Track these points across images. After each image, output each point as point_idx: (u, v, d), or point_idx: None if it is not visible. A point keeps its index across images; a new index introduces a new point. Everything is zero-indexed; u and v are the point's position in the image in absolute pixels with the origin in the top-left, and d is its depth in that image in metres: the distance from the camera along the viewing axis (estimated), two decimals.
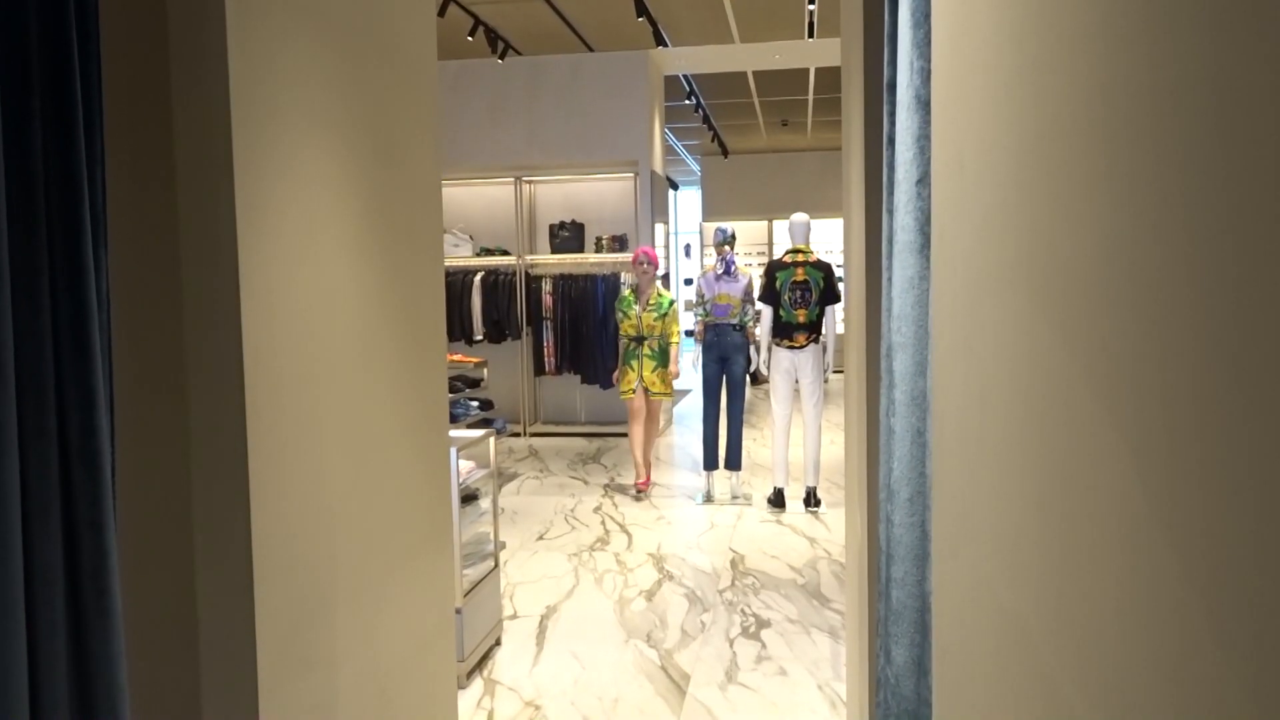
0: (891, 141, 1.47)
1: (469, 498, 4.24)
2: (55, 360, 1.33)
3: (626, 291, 6.93)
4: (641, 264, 6.64)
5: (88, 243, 1.36)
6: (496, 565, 4.30)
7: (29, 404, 1.29)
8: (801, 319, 6.39)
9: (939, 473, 1.10)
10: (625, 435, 9.48)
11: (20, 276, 1.28)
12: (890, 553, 1.09)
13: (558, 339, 9.44)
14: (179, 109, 1.82)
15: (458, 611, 3.78)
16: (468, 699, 3.74)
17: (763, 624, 4.49)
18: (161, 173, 1.83)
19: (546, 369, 9.50)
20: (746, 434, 8.15)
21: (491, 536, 4.38)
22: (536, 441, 9.38)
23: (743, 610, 4.68)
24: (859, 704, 2.83)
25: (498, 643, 4.28)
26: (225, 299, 1.84)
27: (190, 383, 1.86)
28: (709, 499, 6.88)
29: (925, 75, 1.28)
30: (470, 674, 3.93)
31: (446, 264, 7.67)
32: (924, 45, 1.28)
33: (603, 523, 6.34)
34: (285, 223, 1.99)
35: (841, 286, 5.68)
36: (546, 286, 9.43)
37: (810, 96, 12.23)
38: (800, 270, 6.40)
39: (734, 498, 6.89)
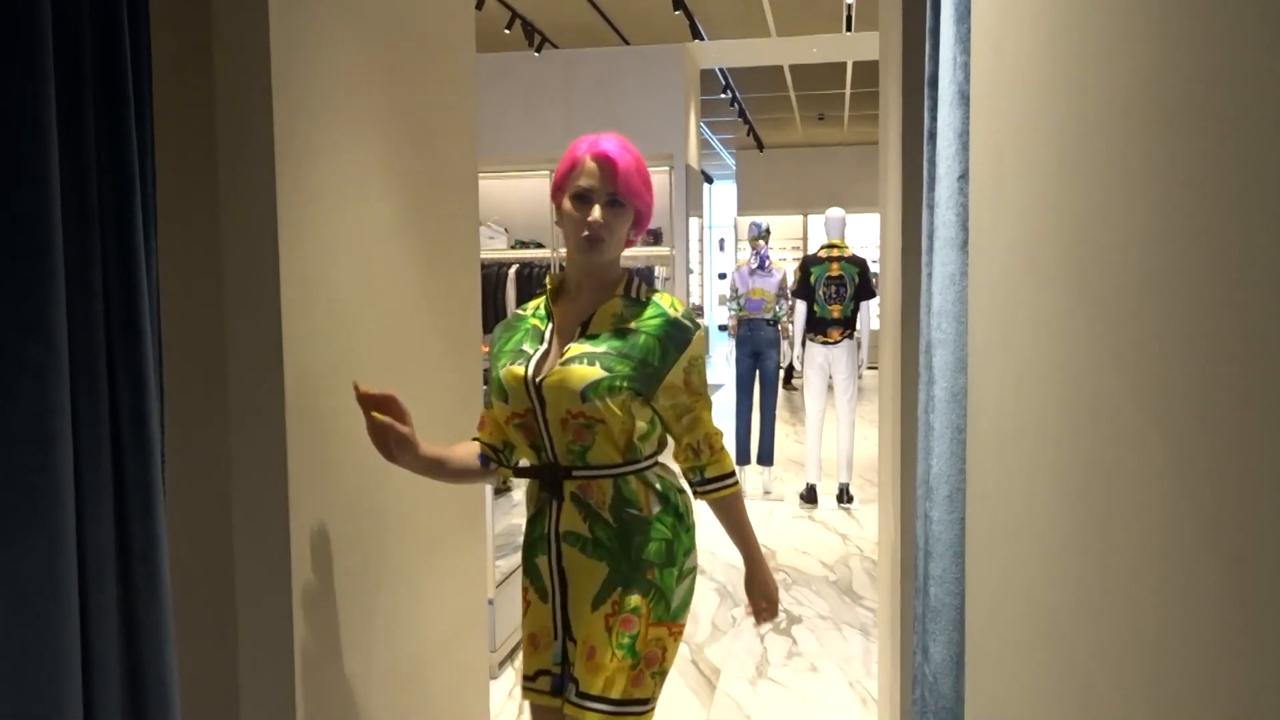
0: (932, 137, 1.46)
1: (501, 490, 4.27)
2: (107, 348, 1.36)
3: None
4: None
5: (139, 233, 1.39)
6: None
7: (82, 390, 1.32)
8: (836, 314, 6.36)
9: (974, 469, 1.09)
10: None
11: (74, 266, 1.31)
12: (928, 549, 1.09)
13: None
14: (222, 101, 1.85)
15: (490, 602, 3.81)
16: (499, 689, 3.78)
17: (794, 620, 4.49)
18: (206, 164, 1.87)
19: None
20: (779, 429, 8.13)
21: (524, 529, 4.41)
22: None
23: None
24: (890, 701, 2.83)
25: None
26: (266, 288, 1.87)
27: (231, 370, 1.89)
28: None
29: (967, 70, 1.28)
30: (502, 664, 3.97)
31: (482, 256, 7.71)
32: (967, 40, 1.28)
33: None
34: (324, 213, 2.02)
35: (876, 282, 5.63)
36: None
37: (847, 90, 12.16)
38: (835, 265, 6.37)
39: (766, 493, 6.88)
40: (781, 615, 4.54)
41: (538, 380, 1.91)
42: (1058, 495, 0.87)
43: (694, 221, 10.19)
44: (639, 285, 2.02)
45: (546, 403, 1.90)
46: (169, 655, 1.43)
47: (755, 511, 6.42)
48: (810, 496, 6.57)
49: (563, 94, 9.65)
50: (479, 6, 7.10)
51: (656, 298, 1.99)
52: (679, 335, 1.93)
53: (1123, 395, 0.71)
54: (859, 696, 3.68)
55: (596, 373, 1.87)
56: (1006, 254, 1.07)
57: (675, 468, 2.07)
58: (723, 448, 2.03)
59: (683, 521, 2.01)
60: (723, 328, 14.82)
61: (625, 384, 1.87)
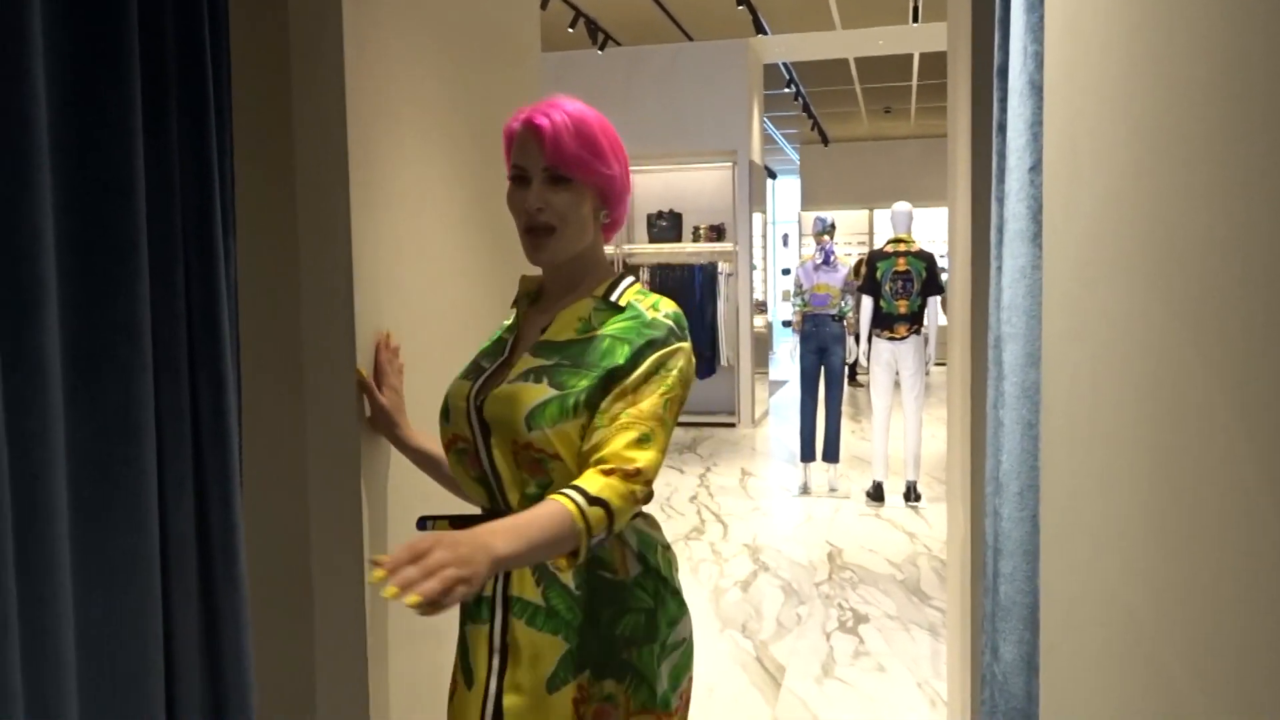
0: (1002, 128, 1.44)
1: None
2: (189, 346, 1.41)
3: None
4: None
5: (219, 232, 1.43)
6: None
7: (165, 384, 1.36)
8: (903, 310, 6.29)
9: (1047, 464, 1.08)
10: (722, 425, 9.48)
11: (158, 265, 1.36)
12: (998, 547, 1.07)
13: None
14: (298, 103, 1.90)
15: None
16: None
17: (860, 619, 4.45)
18: (282, 165, 1.91)
19: None
20: (845, 426, 8.07)
21: None
22: None
23: (840, 604, 4.65)
24: (961, 703, 2.79)
25: None
26: (340, 288, 1.91)
27: (307, 366, 1.94)
28: (805, 491, 6.84)
29: (1039, 60, 1.25)
30: None
31: None
32: (1038, 29, 1.26)
33: (698, 512, 6.36)
34: (394, 213, 2.06)
35: (944, 277, 5.55)
36: (644, 276, 9.48)
37: (914, 82, 11.99)
38: (902, 260, 6.30)
39: (831, 490, 6.82)
40: (848, 613, 4.51)
41: (479, 401, 1.56)
42: (1137, 491, 0.85)
43: (757, 217, 10.14)
44: (627, 288, 1.61)
45: (490, 430, 1.54)
46: (246, 641, 1.48)
47: (820, 509, 6.38)
48: (877, 494, 6.50)
49: (625, 91, 9.67)
50: (543, 6, 7.16)
51: (637, 299, 1.58)
52: (652, 334, 1.51)
53: (1205, 389, 0.70)
54: (928, 698, 3.64)
55: (544, 392, 1.49)
56: (1082, 247, 1.05)
57: (659, 526, 1.70)
58: (630, 495, 1.43)
59: (667, 585, 1.61)
60: (786, 324, 14.75)
61: (582, 403, 1.48)
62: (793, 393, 9.59)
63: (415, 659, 2.14)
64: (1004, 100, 1.44)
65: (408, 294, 2.11)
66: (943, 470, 6.89)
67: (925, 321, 6.36)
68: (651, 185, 9.84)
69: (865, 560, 5.31)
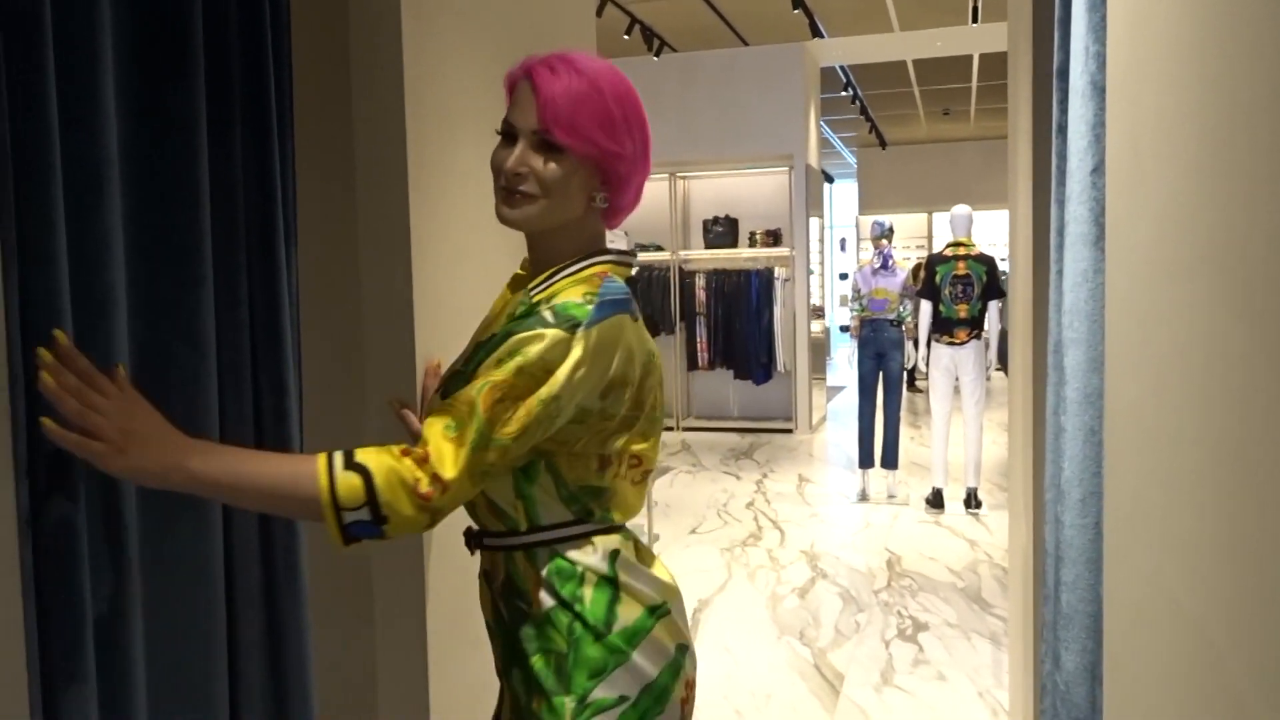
0: (1062, 129, 1.42)
1: None
2: (251, 351, 1.44)
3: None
4: None
5: (280, 242, 1.46)
6: None
7: (229, 391, 1.40)
8: (963, 314, 6.20)
9: (1111, 471, 1.05)
10: (778, 431, 9.43)
11: (222, 274, 1.39)
12: (1060, 555, 1.06)
13: (711, 334, 9.47)
14: (358, 112, 1.93)
15: None
16: None
17: (920, 627, 4.39)
18: (342, 175, 1.95)
19: (699, 364, 9.54)
20: (904, 432, 7.97)
21: (645, 528, 4.44)
22: (689, 436, 9.43)
23: (899, 612, 4.59)
24: (1023, 713, 2.74)
25: None
26: (400, 295, 1.93)
27: (367, 372, 1.97)
28: (864, 498, 6.77)
29: (1101, 60, 1.23)
30: None
31: None
32: (1099, 29, 1.23)
33: (755, 518, 6.33)
34: (453, 222, 2.09)
35: (1005, 281, 5.44)
36: (700, 282, 9.47)
37: (974, 84, 11.82)
38: (962, 264, 6.21)
39: (890, 497, 6.75)
40: (907, 621, 4.45)
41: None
42: (1203, 499, 0.83)
43: (814, 222, 10.07)
44: (579, 270, 1.36)
45: None
46: (307, 645, 1.50)
47: (878, 516, 6.31)
48: (936, 501, 6.41)
49: (681, 97, 9.68)
50: (599, 13, 7.20)
51: (569, 282, 1.34)
52: (523, 323, 1.27)
53: (1273, 394, 0.68)
54: (989, 707, 3.57)
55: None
56: (1146, 249, 1.03)
57: (602, 549, 1.36)
58: (410, 484, 1.21)
59: (588, 629, 1.31)
60: (844, 329, 14.62)
61: None
62: (850, 398, 9.51)
63: (478, 663, 2.16)
64: (1064, 101, 1.42)
65: (466, 299, 2.13)
66: (1004, 477, 6.78)
67: (986, 326, 6.27)
68: (707, 191, 9.83)
69: (925, 568, 5.24)
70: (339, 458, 1.19)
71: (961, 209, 6.43)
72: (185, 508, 1.30)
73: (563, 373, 1.24)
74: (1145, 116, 1.04)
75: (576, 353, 1.25)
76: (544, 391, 1.24)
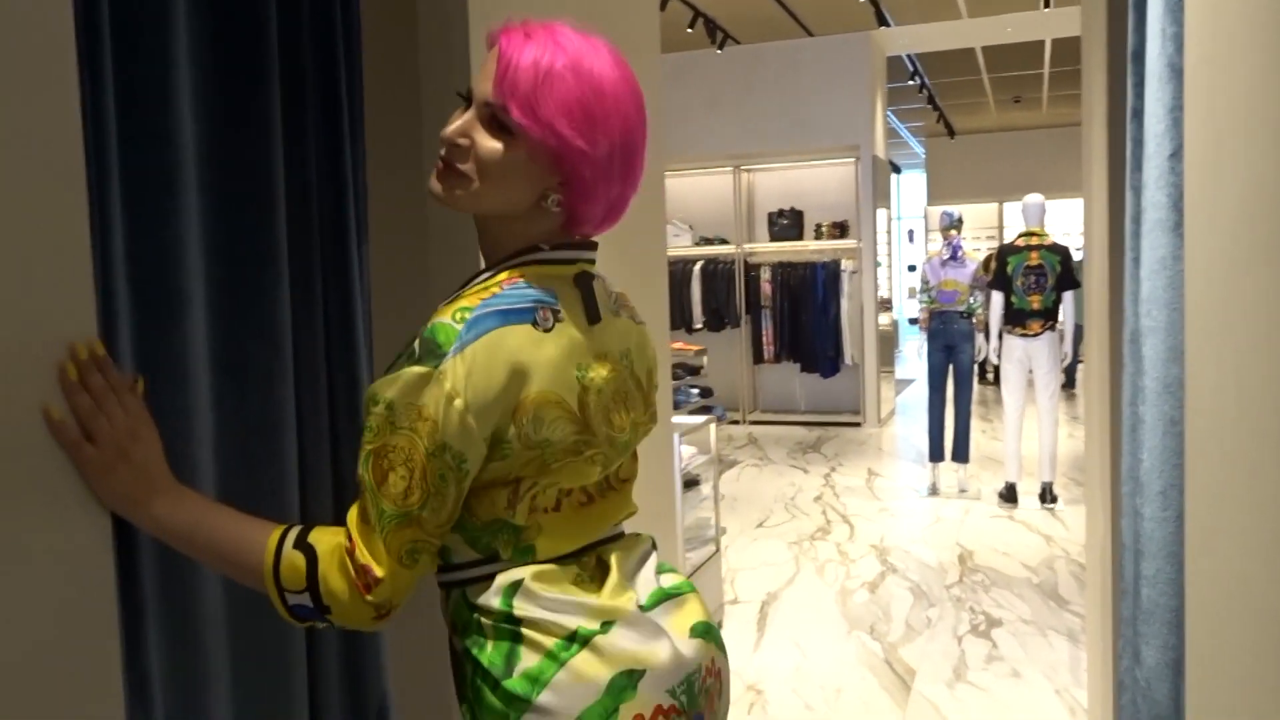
0: (1138, 114, 1.38)
1: (690, 483, 4.31)
2: (326, 348, 1.48)
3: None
4: None
5: (353, 242, 1.50)
6: (718, 550, 4.36)
7: (305, 388, 1.43)
8: (1035, 305, 6.07)
9: (1192, 463, 1.03)
10: (846, 425, 9.34)
11: (296, 273, 1.43)
12: (1139, 549, 1.03)
13: (777, 327, 9.42)
14: (427, 112, 1.96)
15: None
16: None
17: (993, 623, 4.32)
18: (411, 172, 1.98)
19: (765, 357, 9.50)
20: (975, 425, 7.83)
21: (713, 521, 4.44)
22: (755, 429, 9.40)
23: (971, 608, 4.52)
24: (1102, 711, 2.68)
25: (719, 626, 4.33)
26: None
27: None
28: (934, 492, 6.67)
29: (1179, 42, 1.20)
30: None
31: (668, 254, 7.79)
32: (1176, 10, 1.20)
33: (824, 512, 6.28)
34: None
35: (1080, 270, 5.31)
36: (765, 274, 9.42)
37: (1045, 70, 11.56)
38: (1034, 254, 6.08)
39: (961, 491, 6.64)
40: (980, 617, 4.38)
41: None
42: None
43: (881, 213, 9.95)
44: (488, 278, 1.16)
45: None
46: (383, 645, 1.54)
47: (949, 510, 6.22)
48: (1010, 496, 6.30)
49: (744, 89, 9.63)
50: (662, 7, 7.20)
51: (468, 293, 1.14)
52: (409, 352, 1.10)
53: None
54: (1066, 705, 3.50)
55: None
56: (1226, 234, 1.00)
57: (499, 583, 1.16)
58: (351, 592, 1.08)
59: (486, 679, 1.14)
60: (913, 321, 14.42)
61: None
62: (920, 392, 9.38)
63: None
64: (1140, 85, 1.38)
65: None
66: (1080, 471, 6.63)
67: (1061, 317, 6.13)
68: (771, 183, 9.77)
69: (998, 563, 5.15)
70: (293, 534, 1.09)
71: (1034, 198, 6.30)
72: (261, 501, 1.33)
73: (437, 414, 1.05)
74: (1225, 99, 1.01)
75: (446, 384, 1.05)
76: (425, 444, 1.06)
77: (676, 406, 4.93)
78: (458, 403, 1.05)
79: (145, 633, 1.15)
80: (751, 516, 6.21)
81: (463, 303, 1.11)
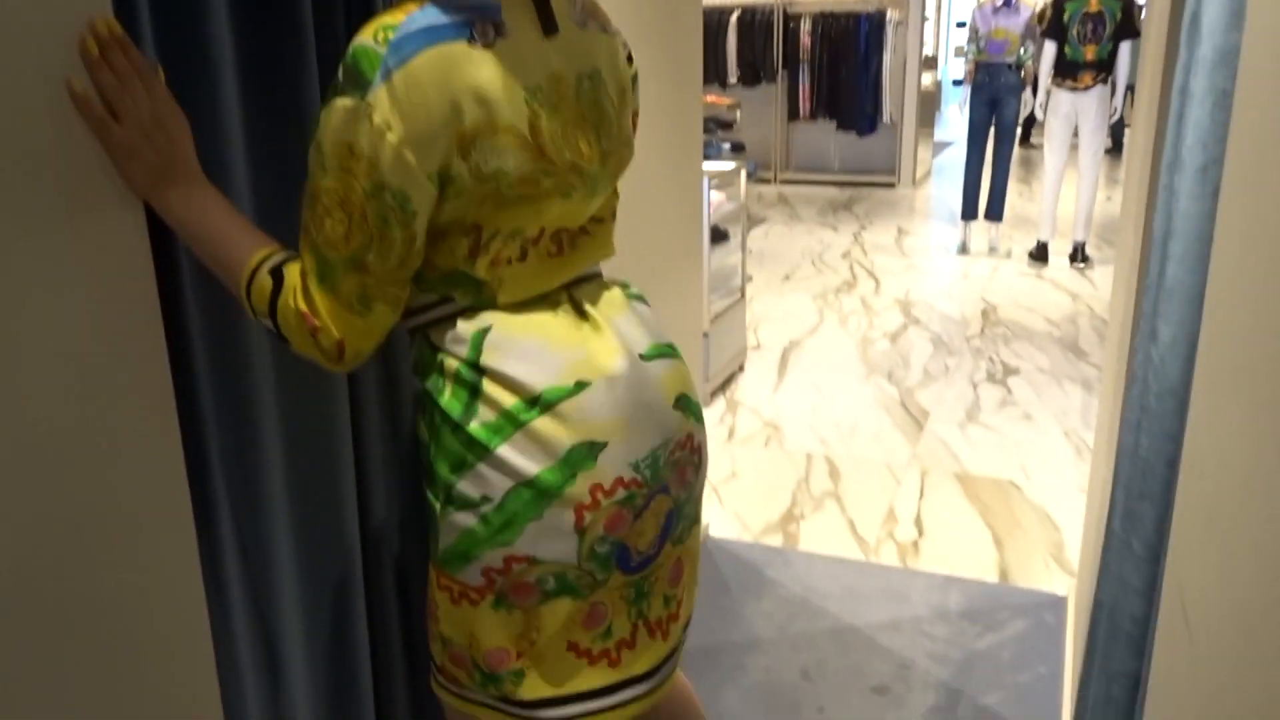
0: None
1: (719, 236, 4.30)
2: (347, 39, 1.43)
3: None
4: None
5: None
6: (743, 297, 4.41)
7: (329, 80, 1.40)
8: (1090, 56, 5.78)
9: (1235, 134, 1.00)
10: (880, 185, 9.17)
11: None
12: (1169, 229, 1.02)
13: (815, 82, 9.07)
14: None
15: (705, 335, 3.94)
16: (710, 414, 3.97)
17: (1010, 371, 4.41)
18: None
19: (801, 114, 9.21)
20: (1011, 188, 7.66)
21: (739, 270, 4.47)
22: (786, 189, 9.27)
23: (990, 358, 4.60)
24: (1107, 449, 2.77)
25: (740, 369, 4.46)
26: None
27: None
28: (964, 250, 6.64)
29: None
30: (714, 394, 4.15)
31: (703, 2, 7.38)
32: None
33: (850, 268, 6.29)
34: None
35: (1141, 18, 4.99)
36: (805, 26, 8.97)
37: None
38: (1095, 1, 5.72)
39: (991, 250, 6.60)
40: (998, 366, 4.47)
41: None
42: None
43: None
44: None
45: None
46: None
47: (978, 268, 6.21)
48: (1040, 254, 6.25)
49: None
50: None
51: (392, 10, 1.04)
52: (339, 77, 1.01)
53: None
54: (1073, 446, 3.63)
55: None
56: None
57: (465, 328, 1.14)
58: (307, 332, 1.06)
59: (445, 419, 1.13)
60: (957, 83, 13.80)
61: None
62: (957, 154, 9.14)
63: None
64: None
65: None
66: (1114, 233, 6.54)
67: (1115, 69, 5.83)
68: None
69: (1021, 317, 5.19)
70: (274, 259, 1.06)
71: None
72: (323, 494, 1.34)
73: (370, 149, 0.98)
74: None
75: (375, 117, 0.97)
76: (362, 185, 0.99)
77: (707, 159, 4.84)
78: (390, 136, 0.98)
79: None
80: (778, 270, 6.23)
81: (386, 18, 1.01)
